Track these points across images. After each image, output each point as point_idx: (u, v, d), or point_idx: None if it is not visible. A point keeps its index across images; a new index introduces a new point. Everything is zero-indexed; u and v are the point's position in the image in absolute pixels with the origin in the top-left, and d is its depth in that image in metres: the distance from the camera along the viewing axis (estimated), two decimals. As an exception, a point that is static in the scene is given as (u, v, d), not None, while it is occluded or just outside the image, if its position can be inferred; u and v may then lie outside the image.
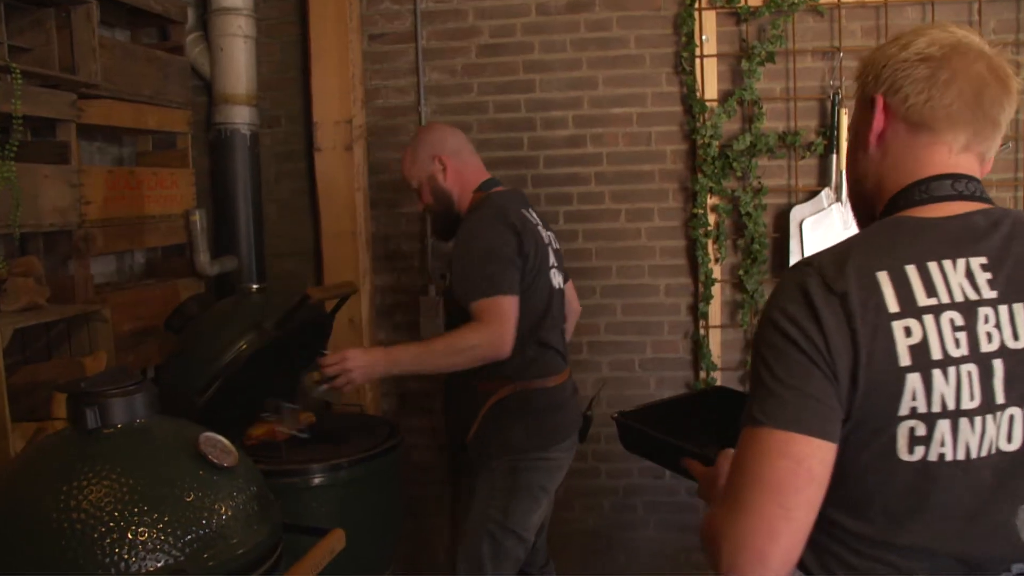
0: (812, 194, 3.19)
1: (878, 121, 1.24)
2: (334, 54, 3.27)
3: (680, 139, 3.32)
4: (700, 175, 3.25)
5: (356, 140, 3.31)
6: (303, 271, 3.55)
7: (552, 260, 2.60)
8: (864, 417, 1.12)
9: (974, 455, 1.13)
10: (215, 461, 1.64)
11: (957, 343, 1.12)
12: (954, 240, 1.17)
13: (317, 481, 2.44)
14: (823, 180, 3.20)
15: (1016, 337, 1.14)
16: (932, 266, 1.14)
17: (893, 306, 1.12)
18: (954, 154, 1.22)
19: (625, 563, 3.47)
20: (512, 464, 2.48)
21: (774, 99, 3.24)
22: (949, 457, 1.12)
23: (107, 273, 3.08)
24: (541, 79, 3.35)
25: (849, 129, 1.34)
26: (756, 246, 3.22)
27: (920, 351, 1.11)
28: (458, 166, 2.60)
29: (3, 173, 2.10)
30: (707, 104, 3.23)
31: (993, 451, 1.14)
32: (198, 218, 3.11)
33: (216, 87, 3.29)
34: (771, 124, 3.23)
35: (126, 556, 1.45)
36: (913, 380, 1.10)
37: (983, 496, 1.14)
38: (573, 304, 2.83)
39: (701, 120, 3.23)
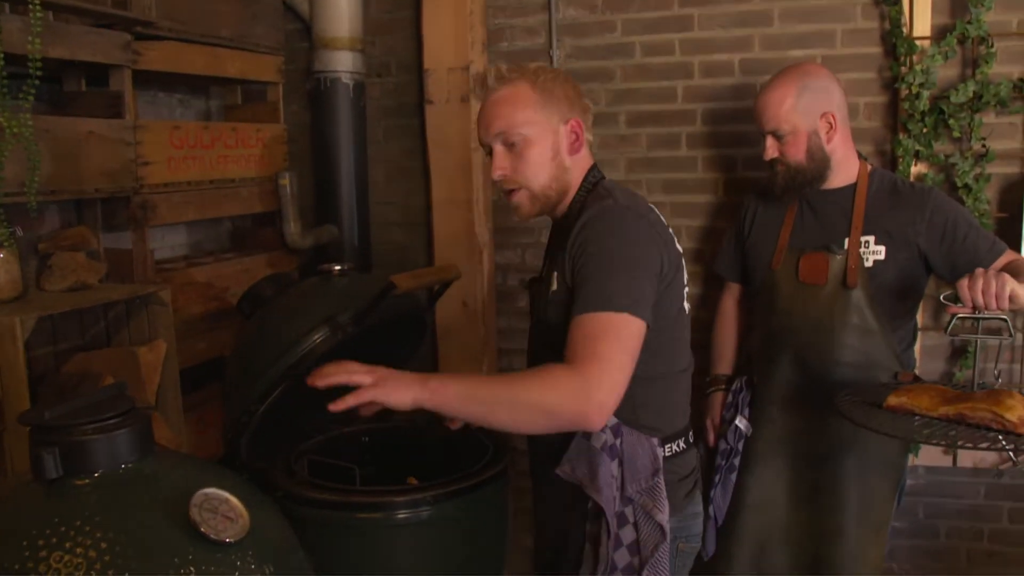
0: (1054, 161, 2.57)
1: (582, 138, 1.85)
2: (450, -12, 2.78)
3: (878, 89, 2.73)
4: (904, 135, 2.66)
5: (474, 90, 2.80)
6: (415, 243, 3.16)
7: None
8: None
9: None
10: (209, 534, 1.18)
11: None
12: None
13: (402, 516, 1.96)
14: (1070, 143, 2.57)
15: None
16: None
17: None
18: None
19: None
20: None
21: (1009, 35, 2.59)
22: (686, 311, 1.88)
23: (181, 245, 2.70)
24: (700, 14, 2.84)
25: (539, 144, 1.81)
26: (976, 227, 2.56)
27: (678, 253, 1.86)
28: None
29: (13, 128, 1.68)
30: (917, 43, 2.63)
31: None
32: (287, 182, 2.69)
33: (316, 29, 2.87)
34: (1003, 68, 2.60)
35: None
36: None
37: None
38: None
39: (908, 64, 2.64)
